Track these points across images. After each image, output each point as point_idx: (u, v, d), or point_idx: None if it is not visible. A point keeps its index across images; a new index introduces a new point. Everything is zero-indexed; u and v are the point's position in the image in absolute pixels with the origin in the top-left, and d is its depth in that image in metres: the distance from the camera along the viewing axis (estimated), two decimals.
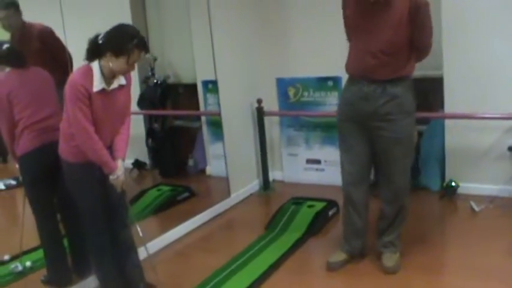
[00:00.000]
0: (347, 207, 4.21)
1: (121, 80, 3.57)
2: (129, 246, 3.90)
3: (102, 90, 3.45)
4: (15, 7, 4.24)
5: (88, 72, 3.42)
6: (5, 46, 3.92)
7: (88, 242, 3.78)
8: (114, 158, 3.59)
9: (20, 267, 4.29)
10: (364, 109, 3.89)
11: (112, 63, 3.41)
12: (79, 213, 3.71)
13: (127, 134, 3.72)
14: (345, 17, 3.98)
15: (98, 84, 3.41)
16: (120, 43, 3.39)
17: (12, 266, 4.31)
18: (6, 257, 4.46)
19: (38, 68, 3.95)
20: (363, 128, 3.96)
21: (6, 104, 3.75)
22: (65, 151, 3.58)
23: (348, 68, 4.01)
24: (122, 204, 3.81)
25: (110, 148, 3.61)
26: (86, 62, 3.47)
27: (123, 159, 3.66)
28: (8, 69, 3.85)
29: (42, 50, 4.16)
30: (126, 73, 3.59)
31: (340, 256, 4.22)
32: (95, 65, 3.43)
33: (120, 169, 3.60)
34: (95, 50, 3.43)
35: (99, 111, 3.45)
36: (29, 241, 4.34)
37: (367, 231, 4.25)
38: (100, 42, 3.41)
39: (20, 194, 5.42)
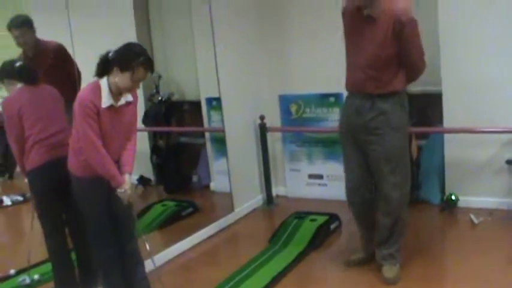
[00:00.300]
0: (353, 213, 4.43)
1: (128, 97, 3.69)
2: (136, 259, 3.98)
3: (110, 107, 3.56)
4: (30, 25, 4.39)
5: (97, 89, 3.54)
6: (18, 63, 4.04)
7: (95, 254, 3.86)
8: (121, 172, 3.69)
9: (28, 280, 4.39)
10: (355, 122, 4.04)
11: (117, 78, 3.53)
12: (87, 226, 3.81)
13: (133, 150, 3.82)
14: (344, 35, 4.12)
15: (106, 101, 3.53)
16: (126, 59, 3.52)
17: (20, 279, 4.41)
18: (12, 271, 4.57)
19: (48, 86, 4.06)
20: (357, 141, 4.10)
21: (16, 120, 3.85)
22: (73, 165, 3.69)
23: (345, 82, 4.15)
24: (129, 217, 3.90)
25: (117, 163, 3.72)
26: (95, 78, 3.59)
27: (130, 174, 3.76)
28: (19, 85, 3.96)
29: (55, 67, 4.27)
30: (130, 90, 3.68)
31: (357, 254, 4.49)
32: (104, 82, 3.55)
33: (127, 183, 3.70)
34: (105, 65, 3.56)
35: (107, 126, 3.56)
36: (36, 255, 4.44)
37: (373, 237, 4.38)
38: (110, 58, 3.54)
39: (26, 210, 5.54)
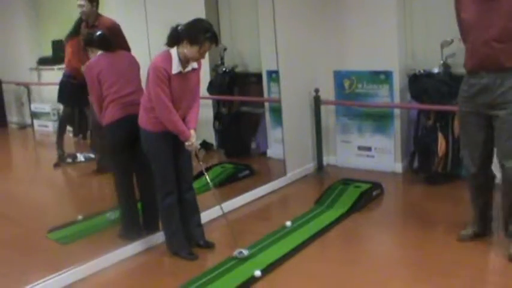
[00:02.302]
0: (470, 191, 4.42)
1: (194, 65, 4.22)
2: (193, 208, 4.53)
3: (179, 73, 4.11)
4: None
5: (168, 58, 4.10)
6: (97, 33, 4.61)
7: (159, 200, 4.40)
8: (187, 128, 4.22)
9: (113, 216, 5.05)
10: (482, 101, 4.02)
11: (187, 49, 4.07)
12: (152, 175, 4.35)
13: (197, 109, 4.36)
14: (461, 20, 4.12)
15: (176, 68, 4.09)
16: (195, 34, 4.05)
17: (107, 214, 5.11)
18: (80, 217, 5.21)
19: (125, 52, 4.64)
20: (483, 118, 4.08)
21: (96, 82, 4.44)
22: (144, 121, 4.25)
23: (466, 64, 4.14)
24: (189, 170, 4.43)
25: (184, 121, 4.23)
26: (166, 48, 4.14)
27: (195, 129, 4.29)
28: (99, 52, 4.54)
29: None
30: (197, 60, 4.21)
31: (468, 229, 4.46)
32: (174, 51, 4.11)
33: (193, 137, 4.24)
34: (174, 37, 4.11)
35: (176, 89, 4.12)
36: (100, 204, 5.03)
37: (487, 214, 4.41)
38: (179, 30, 4.08)
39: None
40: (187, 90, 4.22)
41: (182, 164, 4.37)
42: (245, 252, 4.26)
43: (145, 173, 4.50)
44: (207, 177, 4.46)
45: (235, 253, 4.23)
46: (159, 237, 4.65)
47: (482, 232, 4.44)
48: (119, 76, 4.48)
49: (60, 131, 6.17)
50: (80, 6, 5.07)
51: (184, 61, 4.14)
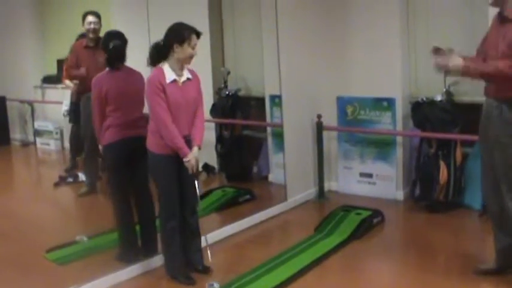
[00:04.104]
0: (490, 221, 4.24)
1: (188, 74, 4.28)
2: (195, 232, 4.51)
3: (174, 81, 4.17)
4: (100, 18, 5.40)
5: (160, 71, 4.17)
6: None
7: (161, 223, 4.40)
8: (191, 145, 4.23)
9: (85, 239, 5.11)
10: (485, 126, 3.95)
11: (179, 52, 4.15)
12: (151, 197, 4.35)
13: (201, 125, 4.38)
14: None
15: (169, 76, 4.16)
16: (179, 33, 4.15)
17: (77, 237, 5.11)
18: (78, 238, 5.19)
19: (132, 69, 4.61)
20: (489, 145, 3.95)
21: (102, 99, 4.46)
22: (150, 143, 4.27)
23: None
24: (194, 194, 4.40)
25: (186, 138, 4.23)
26: (150, 68, 4.22)
27: (199, 147, 4.31)
28: (107, 69, 4.53)
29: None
30: (191, 57, 4.22)
31: (487, 264, 4.28)
32: (165, 66, 4.19)
33: (192, 154, 4.22)
34: (155, 54, 4.22)
35: (174, 101, 4.15)
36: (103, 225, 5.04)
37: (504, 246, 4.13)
38: (162, 43, 4.17)
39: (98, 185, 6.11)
40: (184, 102, 4.24)
41: (187, 188, 4.35)
42: (216, 285, 4.20)
43: (144, 195, 4.50)
44: (197, 189, 4.40)
45: (207, 286, 4.21)
46: (157, 260, 4.64)
47: (502, 269, 4.18)
48: (125, 100, 4.50)
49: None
50: (94, 23, 5.39)
51: (177, 69, 4.21)
